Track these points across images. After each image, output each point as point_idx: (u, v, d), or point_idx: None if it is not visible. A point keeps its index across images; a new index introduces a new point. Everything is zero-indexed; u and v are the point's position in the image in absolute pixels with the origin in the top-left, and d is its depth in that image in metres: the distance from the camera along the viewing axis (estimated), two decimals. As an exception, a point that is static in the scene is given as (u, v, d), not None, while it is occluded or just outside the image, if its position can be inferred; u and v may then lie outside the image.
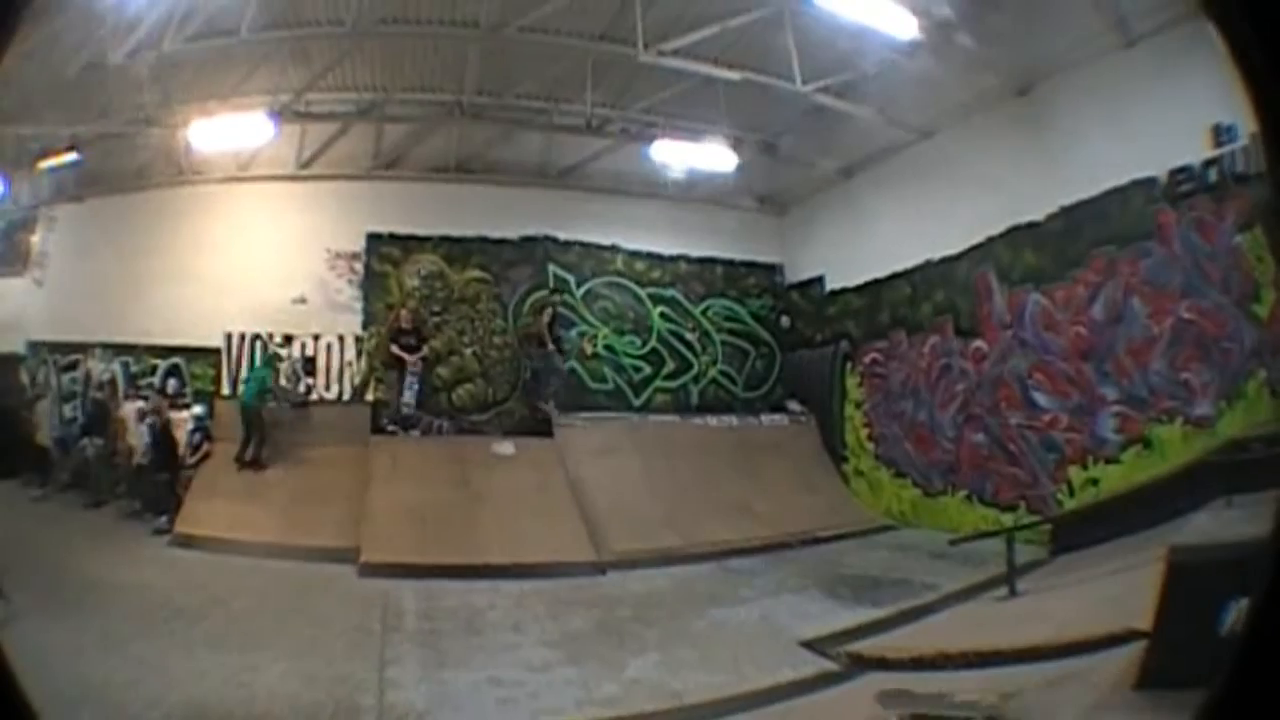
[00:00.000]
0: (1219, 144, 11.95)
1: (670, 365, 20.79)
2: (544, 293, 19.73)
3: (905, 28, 13.33)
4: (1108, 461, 13.55)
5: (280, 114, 16.16)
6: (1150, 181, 12.96)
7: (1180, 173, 12.59)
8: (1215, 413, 12.15)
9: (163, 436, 16.46)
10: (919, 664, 8.99)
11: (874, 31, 13.48)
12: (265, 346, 18.50)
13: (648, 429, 18.49)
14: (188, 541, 14.11)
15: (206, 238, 18.51)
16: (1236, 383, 11.95)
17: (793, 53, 14.81)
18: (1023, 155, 14.91)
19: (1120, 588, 9.06)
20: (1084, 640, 7.66)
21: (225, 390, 18.32)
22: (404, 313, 18.29)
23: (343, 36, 14.74)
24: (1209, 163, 12.20)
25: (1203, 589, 5.61)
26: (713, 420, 19.70)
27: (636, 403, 20.06)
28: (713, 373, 21.15)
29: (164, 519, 15.25)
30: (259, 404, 16.78)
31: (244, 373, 18.02)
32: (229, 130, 16.11)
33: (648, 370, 20.53)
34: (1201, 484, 9.02)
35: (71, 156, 17.12)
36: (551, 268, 19.98)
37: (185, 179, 18.56)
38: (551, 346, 19.03)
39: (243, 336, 18.60)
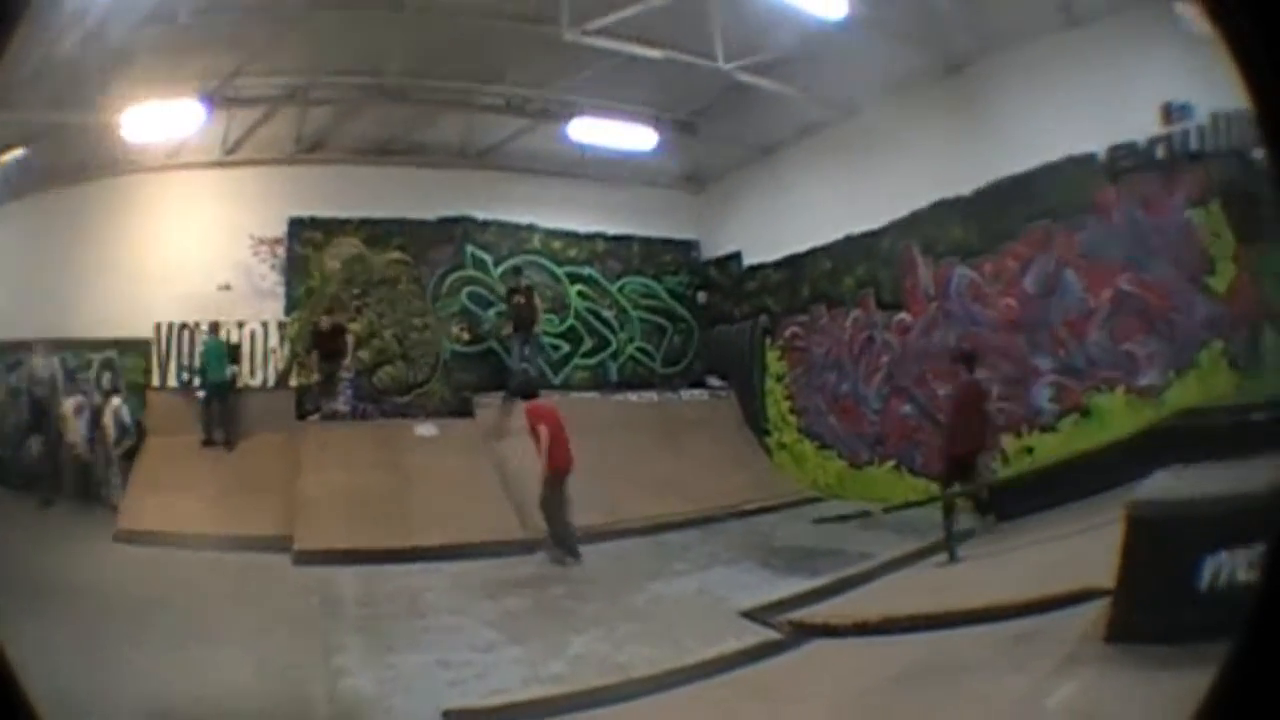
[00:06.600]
0: (1170, 122, 12.25)
1: (589, 343, 20.75)
2: (513, 275, 19.52)
3: (834, 7, 13.34)
4: (1043, 430, 13.84)
5: (212, 99, 15.86)
6: (1089, 158, 13.23)
7: (1122, 149, 12.88)
8: (1164, 383, 12.45)
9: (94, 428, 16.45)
10: (864, 629, 9.11)
11: (801, 10, 13.51)
12: (194, 335, 18.15)
13: (568, 406, 18.37)
14: (131, 537, 13.80)
15: (138, 228, 18.06)
16: (1188, 354, 12.23)
17: (716, 31, 14.81)
18: (951, 132, 15.10)
19: (1065, 552, 9.30)
20: (1038, 600, 7.78)
21: (155, 381, 17.98)
22: (323, 319, 18.10)
23: (274, 20, 14.47)
24: (1157, 140, 12.48)
25: (1172, 545, 5.74)
26: (633, 396, 19.81)
27: (556, 380, 19.89)
28: (631, 349, 21.16)
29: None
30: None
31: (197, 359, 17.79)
32: (162, 117, 15.74)
33: (566, 348, 20.46)
34: (1152, 452, 9.09)
35: (19, 153, 16.66)
36: (470, 248, 19.83)
37: (121, 170, 18.04)
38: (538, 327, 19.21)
39: (170, 326, 18.20)
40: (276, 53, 15.60)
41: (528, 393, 14.76)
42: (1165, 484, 7.31)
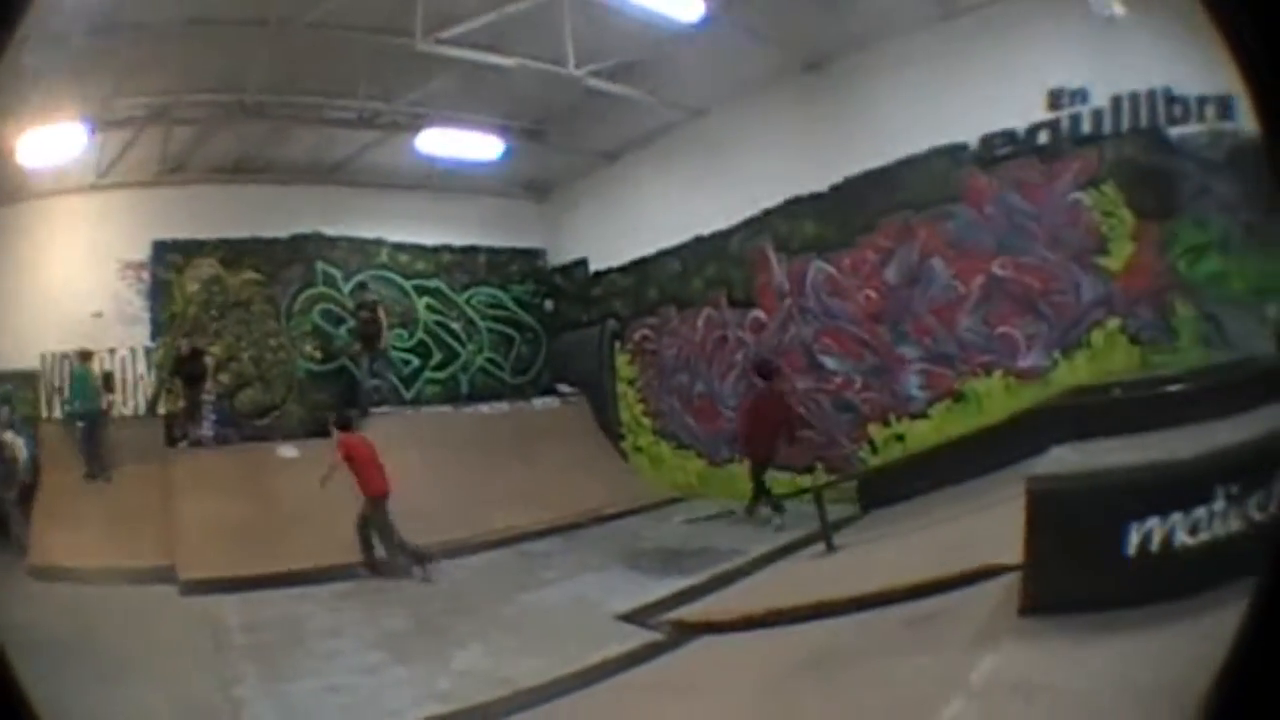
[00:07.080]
0: (1056, 107, 12.62)
1: (438, 356, 20.73)
2: (360, 290, 19.42)
3: (690, 10, 13.28)
4: (913, 417, 14.15)
5: (94, 121, 15.39)
6: (959, 148, 13.57)
7: (997, 137, 13.23)
8: (1048, 364, 12.80)
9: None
10: (750, 622, 9.24)
11: (656, 13, 13.37)
12: (71, 365, 17.34)
13: (421, 421, 18.43)
14: (42, 573, 13.31)
15: (25, 256, 17.30)
16: (1075, 334, 12.63)
17: (567, 37, 14.64)
18: (809, 130, 15.44)
19: (952, 533, 9.53)
20: (936, 581, 7.96)
21: (44, 413, 17.41)
22: (183, 343, 17.73)
23: (151, 39, 14.07)
24: (1039, 126, 12.85)
25: (1091, 515, 5.97)
26: (485, 408, 19.75)
27: (408, 396, 19.92)
28: (480, 360, 21.21)
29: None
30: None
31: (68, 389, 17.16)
32: (52, 141, 15.25)
33: (416, 362, 20.41)
34: (1043, 430, 9.48)
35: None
36: (321, 265, 19.58)
37: (10, 198, 17.44)
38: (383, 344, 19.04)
39: (54, 356, 17.56)
40: (150, 72, 15.21)
41: (342, 423, 14.53)
42: (1067, 458, 7.61)
